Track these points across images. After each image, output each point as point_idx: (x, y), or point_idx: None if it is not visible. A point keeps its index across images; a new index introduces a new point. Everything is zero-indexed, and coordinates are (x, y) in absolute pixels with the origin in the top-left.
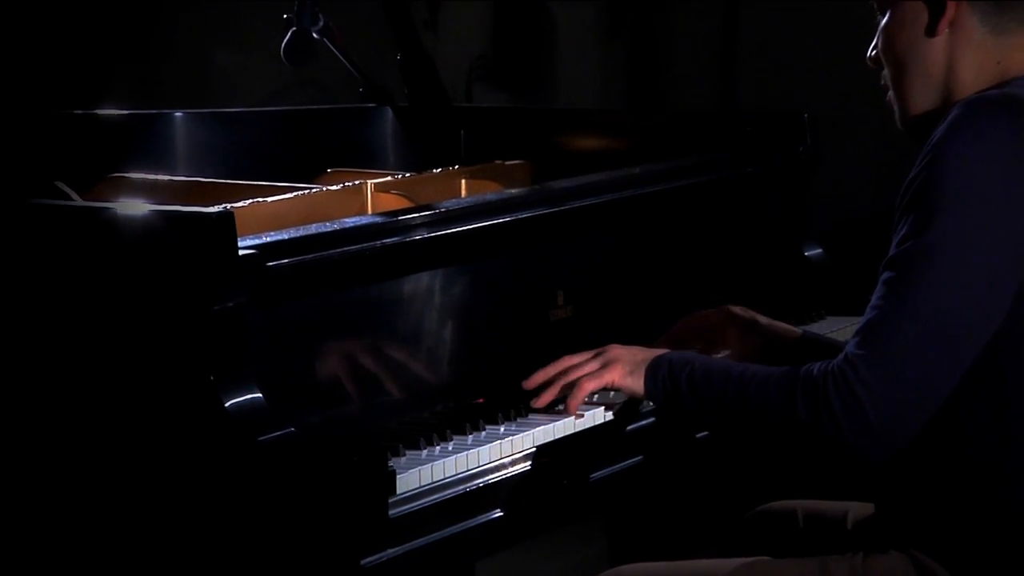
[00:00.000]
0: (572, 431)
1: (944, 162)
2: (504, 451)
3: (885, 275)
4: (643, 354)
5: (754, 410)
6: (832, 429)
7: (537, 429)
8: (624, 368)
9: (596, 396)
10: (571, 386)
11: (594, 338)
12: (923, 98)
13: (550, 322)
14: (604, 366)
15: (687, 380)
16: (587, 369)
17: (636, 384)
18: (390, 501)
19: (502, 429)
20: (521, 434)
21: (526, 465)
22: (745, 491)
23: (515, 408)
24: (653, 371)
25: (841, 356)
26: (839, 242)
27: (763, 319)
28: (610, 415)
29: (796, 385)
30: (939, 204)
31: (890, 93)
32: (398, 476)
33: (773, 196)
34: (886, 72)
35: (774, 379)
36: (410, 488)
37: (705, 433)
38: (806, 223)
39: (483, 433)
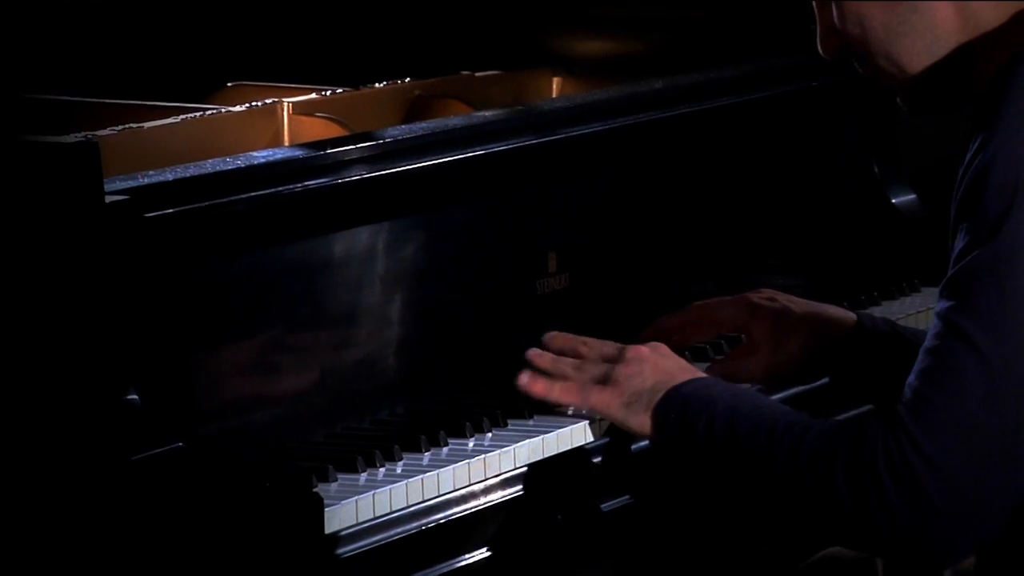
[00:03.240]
0: (570, 446)
1: (1015, 139)
2: (474, 475)
3: (942, 305)
4: (657, 374)
5: (784, 484)
6: (884, 519)
7: (521, 445)
8: (623, 397)
9: (571, 410)
10: (558, 390)
11: (597, 319)
12: (927, 61)
13: (537, 295)
14: (604, 380)
15: (705, 427)
16: (587, 367)
17: (636, 421)
18: (316, 543)
19: (471, 444)
20: (498, 451)
21: (505, 494)
22: (801, 530)
23: (489, 415)
24: (663, 408)
25: (890, 415)
26: (939, 187)
27: (799, 306)
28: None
29: (837, 453)
30: (1007, 199)
31: (874, 69)
32: (327, 509)
33: (849, 122)
34: (856, 53)
35: (809, 440)
36: (344, 525)
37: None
38: (895, 161)
39: (445, 450)
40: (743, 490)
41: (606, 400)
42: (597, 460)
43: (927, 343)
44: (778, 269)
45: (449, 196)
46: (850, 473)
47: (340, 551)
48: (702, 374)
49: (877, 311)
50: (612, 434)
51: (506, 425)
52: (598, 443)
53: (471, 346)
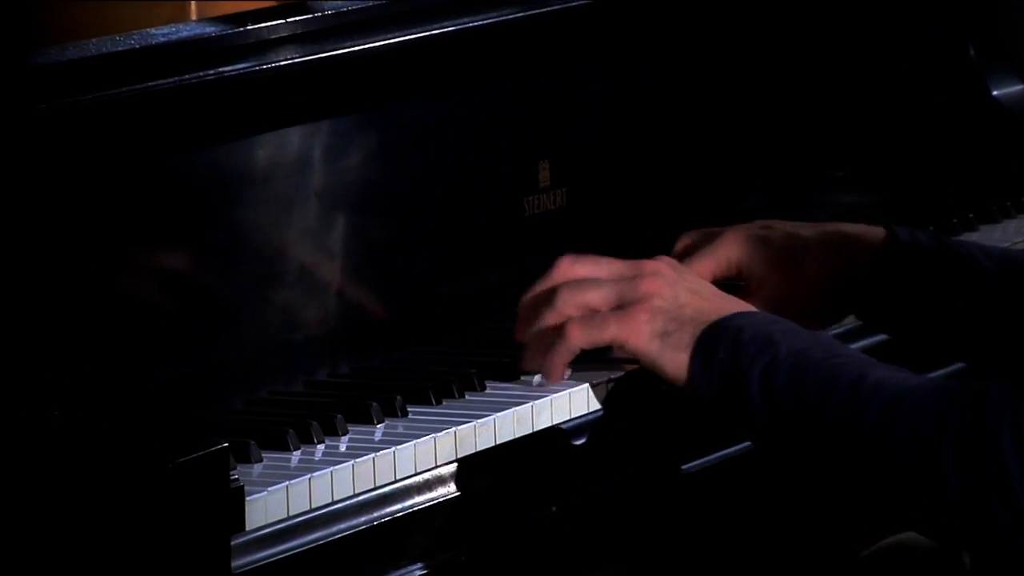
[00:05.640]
0: (568, 417)
1: None
2: (442, 454)
3: None
4: (694, 300)
5: (870, 458)
6: (1003, 509)
7: (503, 414)
8: (655, 322)
9: (537, 378)
10: (553, 336)
11: (601, 246)
12: None
13: (525, 217)
14: (622, 306)
15: (763, 375)
16: (588, 296)
17: (671, 360)
18: (234, 544)
19: (437, 414)
20: (474, 423)
21: (483, 479)
22: (860, 513)
23: (460, 376)
24: (708, 346)
25: (1010, 382)
26: None
27: (807, 228)
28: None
29: (945, 423)
30: None
31: None
32: (250, 499)
33: None
34: None
35: (908, 403)
36: (271, 520)
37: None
38: (997, 41)
39: (402, 421)
40: (810, 460)
41: (631, 330)
42: (604, 434)
43: None
44: (845, 184)
45: (409, 88)
46: (962, 449)
47: (266, 553)
48: (748, 305)
49: (973, 238)
50: (619, 400)
51: (483, 389)
52: (591, 416)
53: (437, 284)
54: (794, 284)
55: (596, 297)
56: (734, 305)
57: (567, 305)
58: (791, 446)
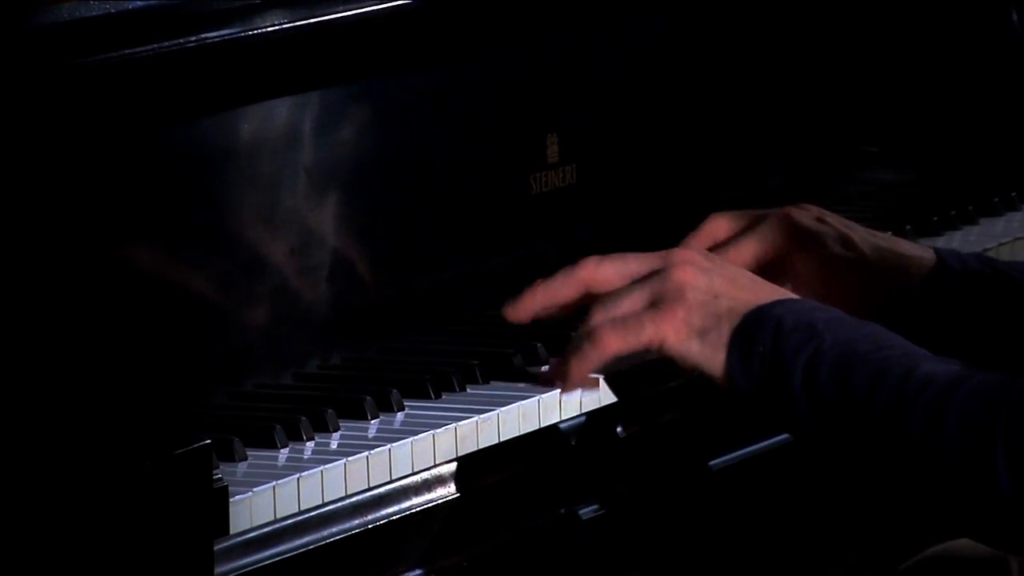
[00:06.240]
0: (578, 412)
1: None
2: (442, 451)
3: None
4: (731, 288)
5: (918, 458)
6: None
7: (507, 409)
8: (692, 319)
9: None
10: (583, 339)
11: (614, 229)
12: None
13: (532, 195)
14: (655, 303)
15: (807, 367)
16: (623, 308)
17: (710, 359)
18: (217, 549)
19: (437, 409)
20: (475, 418)
21: (486, 479)
22: (901, 522)
23: (461, 368)
24: (747, 336)
25: None
26: None
27: (860, 236)
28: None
29: (996, 421)
30: None
31: None
32: (234, 500)
33: None
34: None
35: (958, 400)
36: (257, 523)
37: None
38: None
39: (400, 416)
40: (855, 457)
41: (669, 330)
42: (618, 430)
43: None
44: (877, 160)
45: (406, 55)
46: (1014, 445)
47: (251, 559)
48: (787, 291)
49: (1017, 218)
50: (634, 393)
51: (487, 382)
52: (606, 407)
53: (436, 268)
54: (838, 297)
55: (629, 305)
56: (773, 293)
57: (603, 326)
58: (836, 442)
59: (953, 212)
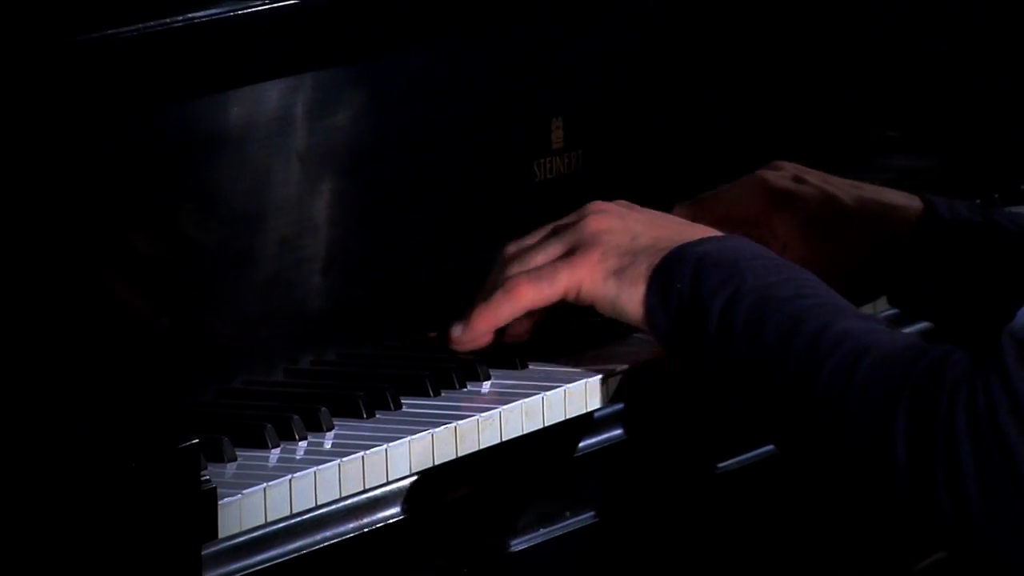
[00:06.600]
0: (584, 410)
1: None
2: (441, 451)
3: None
4: (651, 229)
5: (821, 420)
6: (949, 495)
7: (510, 407)
8: (608, 260)
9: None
10: (496, 290)
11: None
12: None
13: (535, 182)
14: (571, 251)
15: (724, 309)
16: (537, 259)
17: (629, 298)
18: (205, 553)
19: (436, 407)
20: (476, 416)
21: (487, 481)
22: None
23: (461, 364)
24: (665, 274)
25: (987, 348)
26: None
27: (842, 188)
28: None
29: (901, 389)
30: None
31: None
32: (223, 503)
33: None
34: None
35: (867, 362)
36: (247, 527)
37: None
38: None
39: (395, 415)
40: (762, 412)
41: (583, 274)
42: (623, 429)
43: None
44: (899, 146)
45: (403, 35)
46: (915, 415)
47: (241, 564)
48: (714, 231)
49: None
50: (640, 391)
51: (487, 378)
52: (624, 406)
53: (435, 260)
54: (823, 256)
55: (543, 257)
56: (699, 231)
57: (517, 277)
58: (744, 394)
59: (977, 200)
